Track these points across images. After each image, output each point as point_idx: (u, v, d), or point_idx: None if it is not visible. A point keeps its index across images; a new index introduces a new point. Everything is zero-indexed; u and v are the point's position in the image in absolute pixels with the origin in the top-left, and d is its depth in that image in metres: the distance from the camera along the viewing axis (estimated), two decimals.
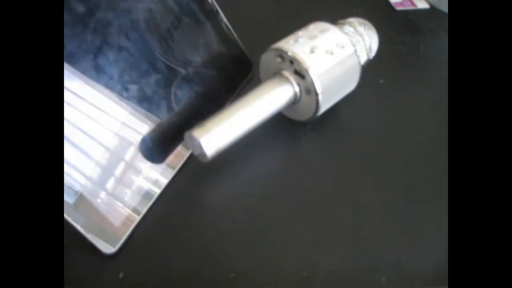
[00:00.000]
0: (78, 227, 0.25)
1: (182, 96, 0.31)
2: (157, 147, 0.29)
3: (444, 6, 0.46)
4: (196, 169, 0.30)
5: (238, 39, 0.36)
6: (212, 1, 0.34)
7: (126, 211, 0.27)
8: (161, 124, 0.30)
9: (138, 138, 0.29)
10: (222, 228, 0.27)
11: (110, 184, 0.27)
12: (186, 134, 0.28)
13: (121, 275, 0.25)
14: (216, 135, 0.27)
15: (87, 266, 0.25)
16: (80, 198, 0.26)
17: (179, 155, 0.30)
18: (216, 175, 0.30)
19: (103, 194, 0.27)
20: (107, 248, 0.26)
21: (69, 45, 0.26)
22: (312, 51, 0.30)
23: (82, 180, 0.26)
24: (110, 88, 0.28)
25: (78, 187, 0.26)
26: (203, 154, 0.27)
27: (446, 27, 0.44)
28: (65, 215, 0.25)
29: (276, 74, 0.31)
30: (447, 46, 0.41)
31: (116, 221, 0.27)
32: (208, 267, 0.25)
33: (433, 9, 0.46)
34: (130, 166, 0.28)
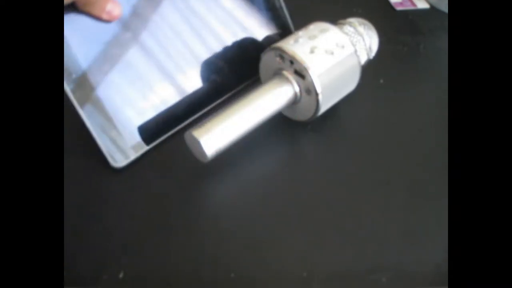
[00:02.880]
0: (94, 133, 0.29)
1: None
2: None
3: (444, 6, 0.46)
4: (196, 169, 0.30)
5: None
6: None
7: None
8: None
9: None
10: (222, 228, 0.27)
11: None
12: (186, 134, 0.28)
13: (121, 275, 0.25)
14: (216, 135, 0.27)
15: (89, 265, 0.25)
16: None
17: None
18: (216, 175, 0.30)
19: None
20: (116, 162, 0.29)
21: None
22: (312, 51, 0.30)
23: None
24: None
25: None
26: (203, 154, 0.27)
27: (446, 27, 0.44)
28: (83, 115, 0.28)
29: (276, 74, 0.31)
30: (447, 46, 0.41)
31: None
32: (208, 267, 0.25)
33: (433, 9, 0.46)
34: None
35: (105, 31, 0.30)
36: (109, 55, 0.30)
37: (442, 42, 0.42)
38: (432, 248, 0.26)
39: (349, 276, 0.25)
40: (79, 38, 0.29)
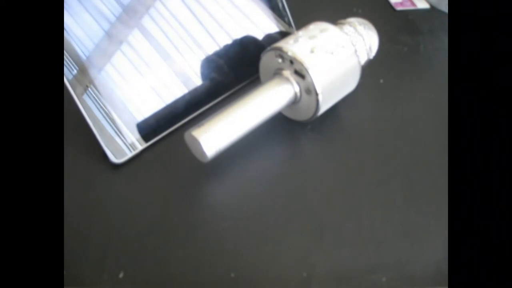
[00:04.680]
0: (94, 129, 0.29)
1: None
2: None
3: (444, 6, 0.46)
4: (196, 169, 0.30)
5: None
6: None
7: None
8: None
9: None
10: (222, 228, 0.27)
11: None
12: (186, 134, 0.28)
13: (121, 275, 0.25)
14: (216, 135, 0.27)
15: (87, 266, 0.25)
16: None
17: None
18: (216, 175, 0.30)
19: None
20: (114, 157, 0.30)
21: None
22: (312, 51, 0.30)
23: None
24: None
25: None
26: (203, 154, 0.27)
27: (446, 27, 0.44)
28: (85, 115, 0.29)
29: (276, 74, 0.31)
30: (447, 46, 0.41)
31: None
32: (208, 267, 0.25)
33: (433, 9, 0.46)
34: None
35: (106, 21, 0.30)
36: (109, 50, 0.30)
37: (442, 42, 0.42)
38: (432, 248, 0.26)
39: (349, 276, 0.25)
40: (80, 30, 0.29)
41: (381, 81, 0.37)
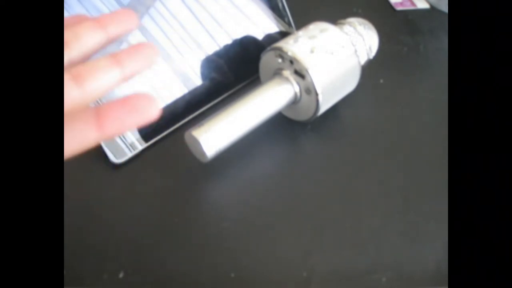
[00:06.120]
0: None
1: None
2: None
3: (444, 6, 0.46)
4: (196, 169, 0.30)
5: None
6: None
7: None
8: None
9: None
10: (222, 228, 0.27)
11: None
12: (186, 134, 0.28)
13: (121, 275, 0.25)
14: (216, 135, 0.27)
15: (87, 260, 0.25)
16: None
17: None
18: (216, 175, 0.30)
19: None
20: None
21: None
22: (312, 51, 0.30)
23: None
24: None
25: None
26: (203, 154, 0.27)
27: (446, 27, 0.44)
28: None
29: (276, 74, 0.31)
30: (447, 46, 0.41)
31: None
32: (208, 267, 0.25)
33: (433, 9, 0.46)
34: None
35: None
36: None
37: (442, 42, 0.42)
38: (432, 248, 0.26)
39: (349, 276, 0.25)
40: None
41: (381, 81, 0.37)
